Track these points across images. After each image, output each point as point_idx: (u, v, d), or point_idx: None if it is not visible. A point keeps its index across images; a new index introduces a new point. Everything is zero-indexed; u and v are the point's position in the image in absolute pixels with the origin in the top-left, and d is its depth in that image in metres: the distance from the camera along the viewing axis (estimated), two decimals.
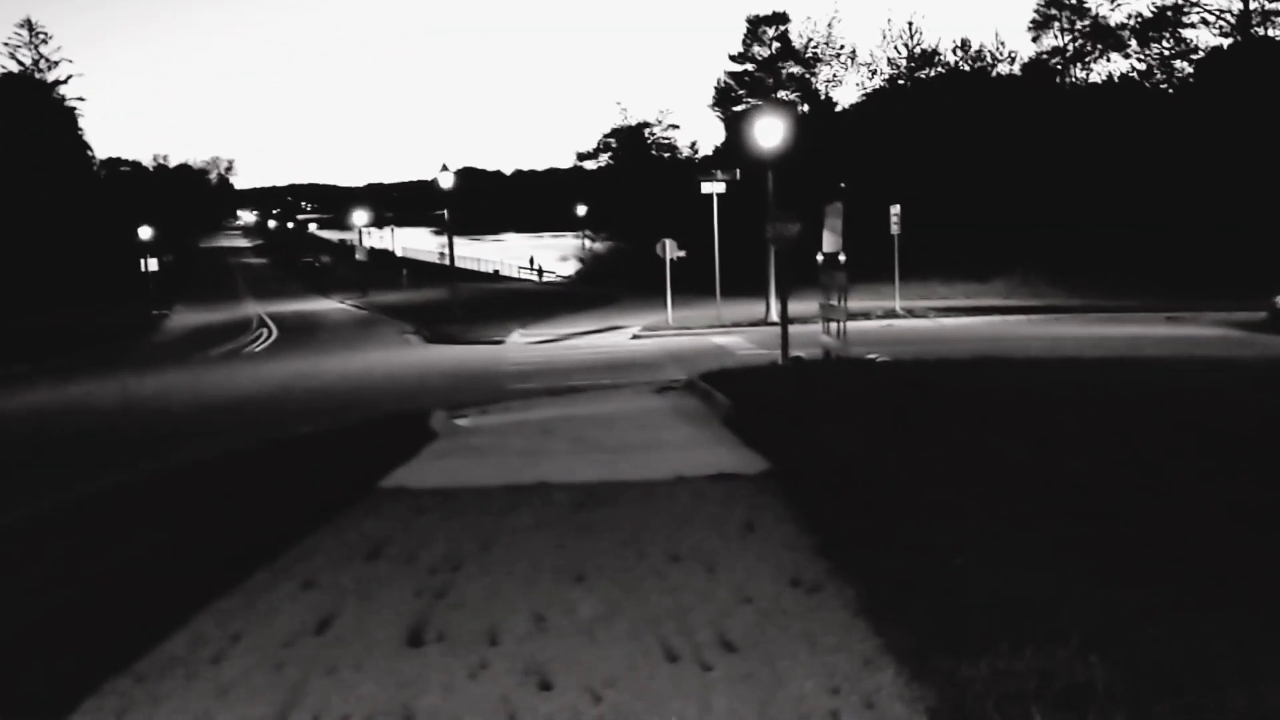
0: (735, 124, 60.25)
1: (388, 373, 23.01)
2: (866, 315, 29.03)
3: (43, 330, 42.89)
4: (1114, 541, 5.81)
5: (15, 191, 63.31)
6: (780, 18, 71.88)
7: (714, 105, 76.06)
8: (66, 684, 4.47)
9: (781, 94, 69.16)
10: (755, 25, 72.45)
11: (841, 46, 71.95)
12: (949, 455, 8.45)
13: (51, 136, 71.22)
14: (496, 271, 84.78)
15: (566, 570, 5.85)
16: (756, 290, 32.27)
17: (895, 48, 71.14)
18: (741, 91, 72.53)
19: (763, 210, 20.84)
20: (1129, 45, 57.61)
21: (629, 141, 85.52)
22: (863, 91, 68.36)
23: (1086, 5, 59.76)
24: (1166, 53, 55.68)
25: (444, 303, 40.05)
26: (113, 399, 21.09)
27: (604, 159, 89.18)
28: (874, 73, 67.90)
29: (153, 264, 54.60)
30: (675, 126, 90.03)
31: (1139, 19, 56.55)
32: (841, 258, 16.40)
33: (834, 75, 71.39)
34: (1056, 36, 62.41)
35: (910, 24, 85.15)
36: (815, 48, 70.76)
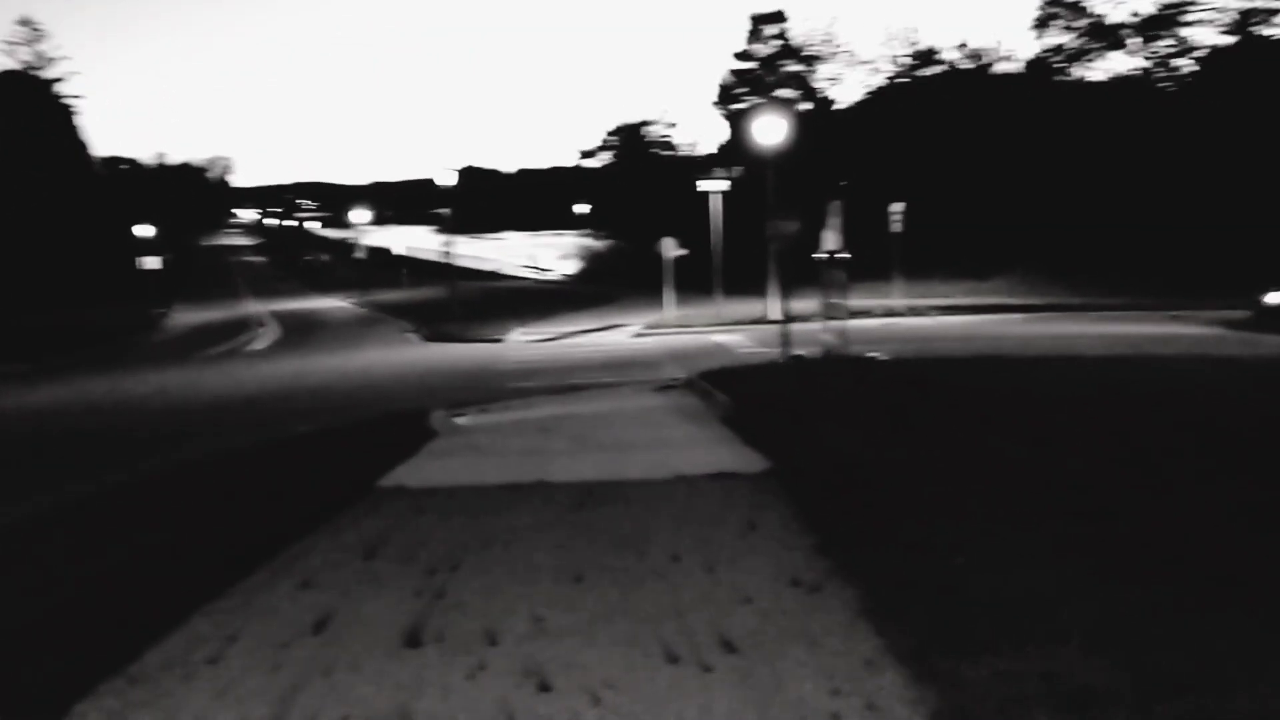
0: (738, 122, 60.22)
1: (387, 371, 22.97)
2: (867, 313, 29.00)
3: (42, 329, 42.85)
4: (1114, 541, 5.79)
5: (13, 191, 63.24)
6: (779, 16, 71.92)
7: (718, 103, 76.06)
8: (61, 686, 4.44)
9: (782, 92, 69.11)
10: (758, 23, 72.49)
11: (839, 45, 72.03)
12: (949, 454, 8.44)
13: (50, 136, 71.15)
14: (496, 271, 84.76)
15: (566, 570, 5.83)
16: (758, 288, 32.24)
17: (895, 46, 71.08)
18: (744, 90, 72.49)
19: (764, 209, 20.81)
20: (1126, 44, 57.53)
21: (631, 140, 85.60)
22: (866, 90, 68.39)
23: (1084, 4, 59.66)
24: (1167, 51, 55.62)
25: (444, 301, 40.01)
26: (111, 398, 21.06)
27: (606, 157, 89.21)
28: (875, 71, 67.95)
29: (153, 262, 54.55)
30: (673, 125, 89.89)
31: (1139, 18, 56.48)
32: (842, 256, 16.38)
33: (835, 73, 71.46)
34: (1057, 35, 62.32)
35: (909, 24, 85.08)
36: (816, 46, 70.81)
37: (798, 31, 72.17)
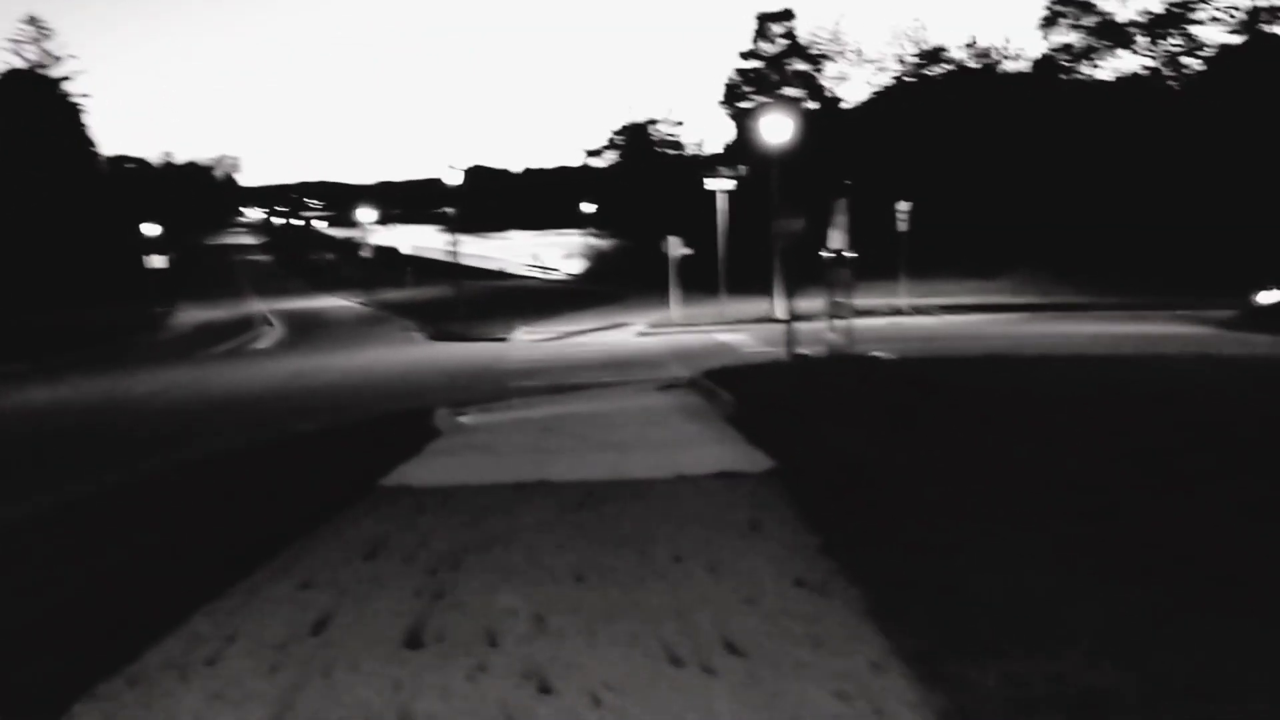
0: (744, 121, 60.17)
1: (391, 370, 22.95)
2: (872, 312, 28.92)
3: (44, 328, 42.90)
4: (1118, 541, 5.76)
5: (19, 189, 63.33)
6: (787, 14, 71.80)
7: (724, 102, 75.92)
8: (60, 686, 4.40)
9: (789, 91, 68.98)
10: (765, 22, 72.39)
11: (846, 44, 71.94)
12: (954, 454, 8.41)
13: (56, 134, 71.24)
14: (501, 270, 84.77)
15: (567, 570, 5.78)
16: (763, 287, 32.18)
17: (902, 45, 70.97)
18: (751, 89, 72.36)
19: (769, 208, 20.75)
20: (1134, 43, 57.36)
21: (636, 139, 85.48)
22: (873, 89, 68.25)
23: (1092, 2, 59.48)
24: (1175, 50, 55.46)
25: (448, 300, 40.01)
26: (113, 397, 21.06)
27: (612, 157, 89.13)
28: (881, 70, 67.83)
29: (159, 261, 54.58)
30: (679, 124, 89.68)
31: (1148, 16, 56.31)
32: (848, 255, 16.33)
33: (841, 72, 71.34)
34: (1065, 33, 62.14)
35: (916, 22, 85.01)
36: (822, 45, 70.72)
37: (805, 30, 72.10)
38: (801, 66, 71.33)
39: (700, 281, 35.10)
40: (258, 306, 55.03)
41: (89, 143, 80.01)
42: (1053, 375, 13.77)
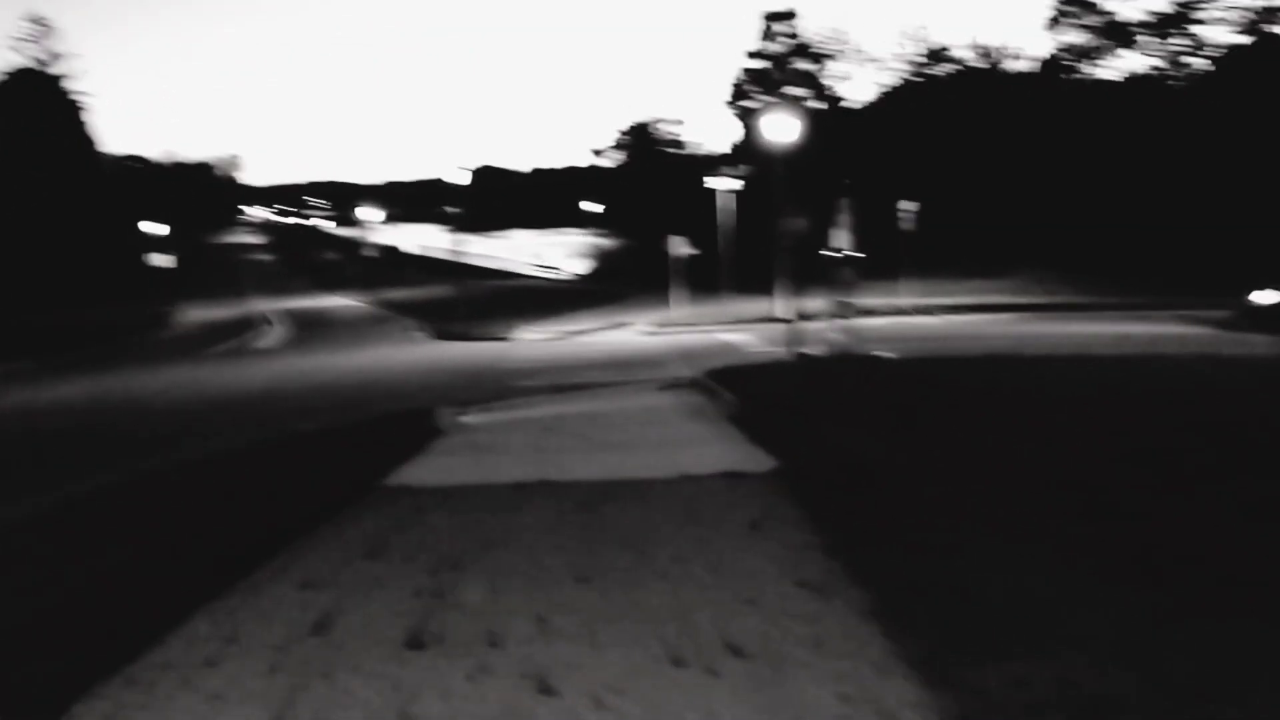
0: (750, 121, 60.08)
1: (394, 370, 22.95)
2: (876, 312, 28.88)
3: (48, 327, 42.90)
4: (1122, 541, 5.72)
5: (22, 188, 63.35)
6: (790, 14, 71.77)
7: (730, 102, 75.89)
8: (59, 686, 4.38)
9: (793, 90, 68.93)
10: (770, 21, 72.38)
11: (850, 44, 71.92)
12: (955, 453, 8.40)
13: (59, 133, 71.26)
14: (505, 269, 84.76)
15: (569, 571, 5.75)
16: (766, 287, 32.18)
17: (907, 44, 70.93)
18: (757, 88, 72.32)
19: (774, 207, 20.71)
20: (1139, 43, 57.24)
21: (642, 139, 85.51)
22: (878, 89, 68.19)
23: (1097, 2, 59.35)
24: (1180, 50, 55.34)
25: (452, 299, 40.03)
26: (116, 396, 21.06)
27: (618, 156, 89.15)
28: (886, 69, 67.77)
29: (164, 260, 54.64)
30: (684, 124, 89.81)
31: (1155, 16, 56.17)
32: (851, 255, 16.31)
33: (846, 72, 71.36)
34: (1070, 33, 62.02)
35: (921, 22, 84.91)
36: (827, 44, 70.68)
37: (809, 30, 72.09)
38: (806, 66, 71.31)
39: (704, 281, 35.10)
40: (262, 305, 55.07)
41: (92, 141, 79.98)
42: (1053, 375, 13.82)
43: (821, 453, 8.69)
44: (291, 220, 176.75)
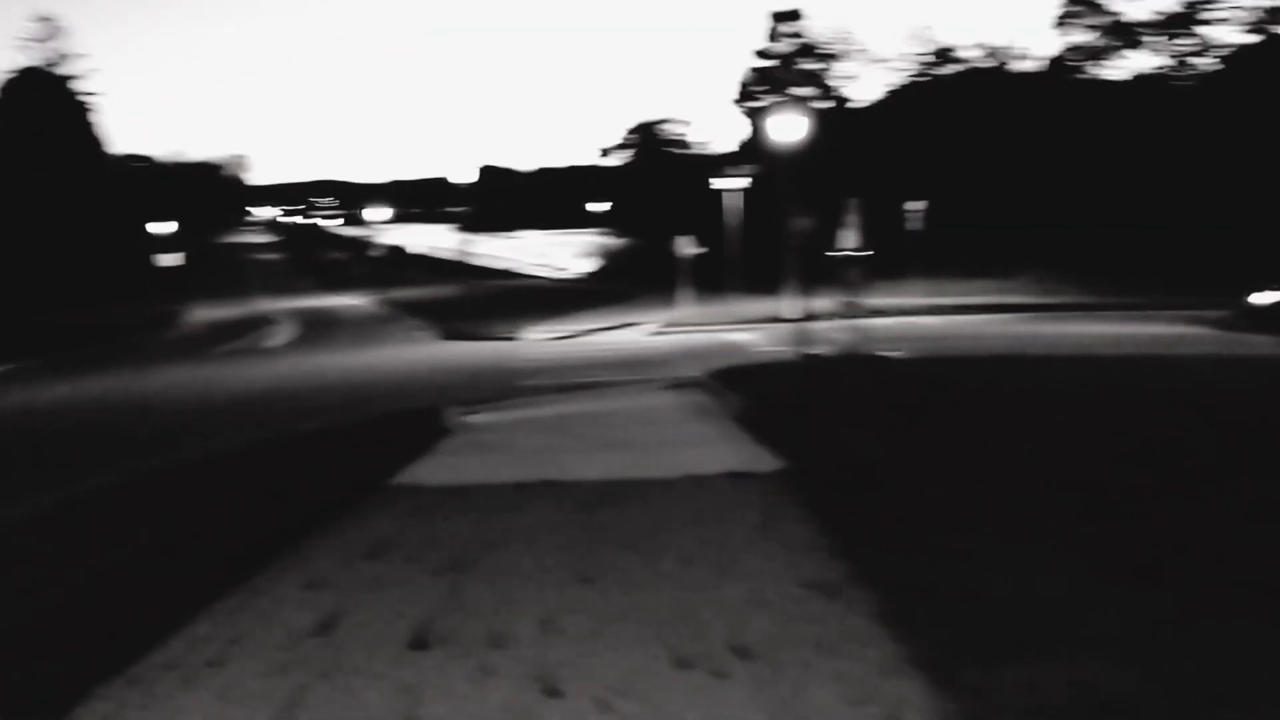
0: (757, 120, 60.00)
1: (400, 369, 22.93)
2: (882, 312, 28.79)
3: (54, 326, 42.95)
4: (1128, 541, 5.70)
5: (29, 188, 63.51)
6: (795, 14, 71.68)
7: (738, 101, 75.74)
8: (61, 687, 4.36)
9: (800, 90, 68.84)
10: (777, 21, 72.31)
11: (856, 44, 71.81)
12: (960, 454, 8.38)
13: (66, 132, 71.43)
14: (512, 269, 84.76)
15: (574, 571, 5.71)
16: (773, 287, 32.10)
17: (914, 44, 70.82)
18: (764, 88, 72.21)
19: (781, 207, 20.67)
20: (1146, 43, 57.07)
21: (649, 138, 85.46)
22: (887, 89, 68.03)
23: (1104, 2, 59.18)
24: (1187, 50, 55.15)
25: (458, 299, 40.02)
26: (119, 396, 21.05)
27: (625, 156, 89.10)
28: (893, 69, 67.64)
29: (171, 259, 54.68)
30: (691, 123, 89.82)
31: (1161, 16, 55.98)
32: (859, 255, 16.27)
33: (853, 72, 71.24)
34: (1078, 33, 61.84)
35: (927, 22, 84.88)
36: (833, 44, 70.60)
37: (816, 29, 71.97)
38: (812, 66, 71.23)
39: (712, 281, 35.04)
40: (269, 305, 55.11)
41: (99, 141, 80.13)
42: (1055, 375, 13.89)
43: (827, 453, 8.66)
44: (298, 220, 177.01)
